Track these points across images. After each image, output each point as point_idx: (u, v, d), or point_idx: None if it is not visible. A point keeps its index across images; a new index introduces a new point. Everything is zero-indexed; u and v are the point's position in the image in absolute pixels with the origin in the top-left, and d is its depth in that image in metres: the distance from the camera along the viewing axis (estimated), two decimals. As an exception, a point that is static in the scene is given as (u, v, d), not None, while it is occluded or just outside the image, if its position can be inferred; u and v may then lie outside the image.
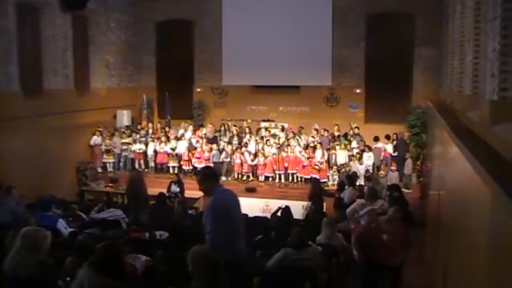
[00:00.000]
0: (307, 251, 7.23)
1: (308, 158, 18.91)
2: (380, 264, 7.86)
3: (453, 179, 6.48)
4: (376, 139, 19.76)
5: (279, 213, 12.76)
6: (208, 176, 6.75)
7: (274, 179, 19.58)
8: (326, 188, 17.24)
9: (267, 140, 20.20)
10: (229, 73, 24.71)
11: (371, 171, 18.01)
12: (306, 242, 7.39)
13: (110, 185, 19.30)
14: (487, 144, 5.06)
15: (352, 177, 15.71)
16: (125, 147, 21.51)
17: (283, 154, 19.41)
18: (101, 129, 21.57)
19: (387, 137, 19.76)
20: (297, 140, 20.22)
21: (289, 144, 19.70)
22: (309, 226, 11.62)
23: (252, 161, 19.66)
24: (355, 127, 20.83)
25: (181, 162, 20.71)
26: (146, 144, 21.48)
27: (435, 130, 12.58)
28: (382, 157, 19.23)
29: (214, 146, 20.35)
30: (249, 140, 20.41)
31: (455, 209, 5.78)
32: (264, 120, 23.13)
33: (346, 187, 14.56)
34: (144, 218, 12.33)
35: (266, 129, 21.86)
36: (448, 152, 7.08)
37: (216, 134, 21.69)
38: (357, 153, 18.83)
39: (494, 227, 3.24)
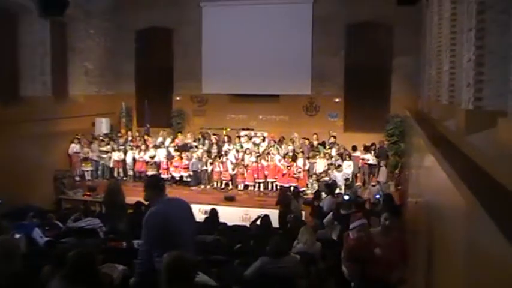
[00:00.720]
0: (285, 260, 7.21)
1: (287, 166, 18.92)
2: (378, 280, 7.60)
3: (429, 187, 6.51)
4: (354, 148, 19.86)
5: (258, 222, 12.74)
6: (150, 185, 6.50)
7: (254, 188, 19.54)
8: (305, 197, 17.23)
9: (247, 149, 20.18)
10: (208, 81, 24.67)
11: (350, 180, 18.07)
12: (284, 250, 7.37)
13: (88, 193, 19.16)
14: (462, 153, 5.10)
15: (331, 185, 15.77)
16: (103, 155, 21.33)
17: (263, 163, 19.38)
18: (79, 137, 21.36)
19: (366, 148, 19.84)
20: (277, 148, 20.24)
21: (269, 153, 19.69)
22: (287, 234, 11.60)
23: (233, 170, 19.60)
24: (332, 136, 20.93)
25: (160, 171, 20.58)
26: (125, 152, 21.30)
27: (413, 139, 12.66)
28: (360, 166, 19.32)
29: (190, 155, 20.27)
30: (229, 150, 20.36)
31: (432, 218, 5.80)
32: (243, 129, 23.13)
33: (324, 195, 14.60)
34: (122, 227, 12.23)
35: (249, 138, 21.86)
36: (425, 160, 7.12)
37: (188, 142, 21.60)
38: (336, 160, 18.89)
39: (469, 236, 3.25)
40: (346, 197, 13.22)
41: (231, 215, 16.37)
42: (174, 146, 21.28)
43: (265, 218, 12.74)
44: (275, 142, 20.78)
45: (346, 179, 17.90)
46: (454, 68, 8.02)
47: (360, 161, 19.42)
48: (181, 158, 20.23)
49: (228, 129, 22.80)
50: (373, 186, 17.69)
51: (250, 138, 21.88)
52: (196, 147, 20.99)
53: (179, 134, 22.72)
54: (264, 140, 21.44)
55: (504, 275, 2.16)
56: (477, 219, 2.87)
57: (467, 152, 4.98)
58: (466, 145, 5.18)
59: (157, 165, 20.71)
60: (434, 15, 11.73)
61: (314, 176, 18.50)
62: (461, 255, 3.48)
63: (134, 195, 16.30)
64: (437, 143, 6.34)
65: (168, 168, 20.43)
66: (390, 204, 11.36)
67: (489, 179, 3.58)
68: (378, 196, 14.52)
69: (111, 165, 21.32)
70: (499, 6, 5.11)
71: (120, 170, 21.40)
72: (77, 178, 21.16)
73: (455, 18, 8.07)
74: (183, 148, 20.97)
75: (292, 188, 17.94)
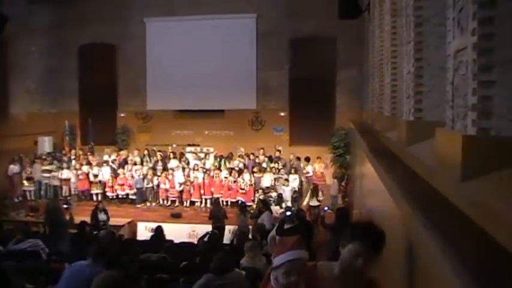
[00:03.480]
0: (229, 276, 7.09)
1: (234, 181, 18.84)
2: None
3: (370, 198, 6.54)
4: (307, 159, 19.99)
5: (206, 238, 12.58)
6: None
7: (201, 204, 19.36)
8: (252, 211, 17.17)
9: (195, 165, 20.01)
10: (153, 97, 24.51)
11: (298, 193, 18.10)
12: (228, 266, 7.26)
13: (31, 214, 18.58)
14: (403, 164, 5.13)
15: (266, 201, 15.80)
16: (46, 174, 20.78)
17: (211, 178, 19.26)
18: (21, 155, 20.80)
19: (307, 159, 19.96)
20: (223, 164, 20.16)
21: (216, 169, 19.59)
22: (235, 250, 11.48)
23: (180, 186, 19.38)
24: (277, 150, 21.01)
25: (106, 189, 20.19)
26: (68, 171, 20.80)
27: (357, 151, 12.77)
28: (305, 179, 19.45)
29: (130, 171, 20.00)
30: (177, 167, 20.11)
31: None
32: (189, 145, 22.97)
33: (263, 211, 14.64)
34: (64, 248, 11.90)
35: (195, 153, 21.72)
36: (367, 172, 7.16)
37: (129, 158, 21.29)
38: (284, 173, 18.94)
39: (405, 244, 3.24)
40: (288, 213, 13.20)
41: (177, 232, 16.14)
42: (117, 162, 20.94)
43: (213, 235, 12.60)
44: (221, 157, 20.69)
45: (295, 191, 17.90)
46: (395, 80, 8.12)
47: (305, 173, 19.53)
48: (124, 175, 19.88)
49: (174, 146, 22.59)
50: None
51: (195, 154, 21.72)
52: (136, 163, 20.67)
53: (122, 151, 22.38)
54: (208, 156, 21.28)
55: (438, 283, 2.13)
56: (413, 229, 2.85)
57: (407, 162, 5.03)
58: (406, 156, 5.23)
59: (103, 184, 20.30)
60: (376, 28, 11.90)
61: (260, 190, 18.45)
62: (399, 265, 3.47)
63: (78, 215, 15.98)
64: (379, 154, 6.38)
65: (112, 186, 20.05)
66: (346, 221, 11.32)
67: (427, 188, 3.59)
68: (326, 208, 14.54)
69: (54, 184, 20.74)
70: (436, 19, 5.19)
71: (65, 188, 20.83)
72: (18, 199, 20.54)
73: (395, 31, 8.19)
74: (124, 164, 20.67)
75: (239, 202, 17.87)
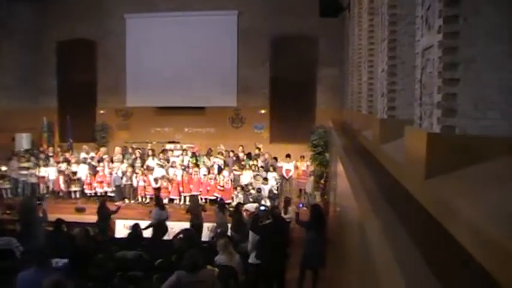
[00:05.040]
0: (201, 274, 7.06)
1: (213, 179, 18.78)
2: None
3: (342, 195, 6.56)
4: (288, 156, 20.01)
5: (181, 235, 12.52)
6: None
7: (180, 201, 19.28)
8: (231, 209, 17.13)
9: (173, 162, 19.92)
10: (133, 94, 24.36)
11: (275, 191, 18.05)
12: (200, 264, 7.23)
13: (7, 212, 18.35)
14: (377, 162, 5.14)
15: (222, 204, 15.98)
16: (23, 171, 20.52)
17: (190, 176, 19.18)
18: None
19: (287, 155, 19.98)
20: (203, 161, 20.09)
21: (195, 165, 19.52)
22: (212, 247, 11.45)
23: (156, 183, 19.26)
24: (257, 148, 21.02)
25: (84, 187, 20.02)
26: (46, 168, 20.58)
27: (334, 149, 12.80)
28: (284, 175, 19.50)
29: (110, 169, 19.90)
30: (158, 165, 19.97)
31: (342, 226, 5.83)
32: (169, 142, 22.88)
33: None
34: (38, 246, 11.75)
35: (172, 151, 21.65)
36: (340, 170, 7.18)
37: (105, 156, 21.12)
38: (262, 170, 18.93)
39: (361, 241, 3.23)
40: (262, 208, 13.25)
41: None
42: (95, 159, 20.82)
43: (189, 232, 12.54)
44: (196, 155, 20.65)
45: (270, 191, 17.85)
46: (372, 78, 8.17)
47: (284, 171, 19.56)
48: (103, 172, 19.76)
49: (154, 143, 22.48)
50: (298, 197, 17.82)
51: (172, 151, 21.68)
52: (113, 160, 20.54)
53: (101, 148, 22.22)
54: (186, 153, 21.17)
55: (388, 283, 2.12)
56: (368, 224, 2.85)
57: (380, 160, 5.03)
58: (379, 154, 5.24)
59: (81, 182, 20.13)
60: (355, 27, 11.96)
61: (239, 188, 18.40)
62: (358, 260, 3.47)
63: (56, 213, 15.83)
64: (352, 152, 6.39)
65: (91, 184, 19.89)
66: (318, 215, 11.35)
67: (394, 185, 3.59)
68: (301, 205, 14.59)
69: (32, 181, 20.51)
70: (410, 18, 5.20)
71: (43, 186, 20.59)
72: (-4, 197, 20.29)
73: (372, 29, 8.23)
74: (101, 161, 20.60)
75: (218, 199, 17.82)
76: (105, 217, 15.64)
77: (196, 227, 14.84)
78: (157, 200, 16.13)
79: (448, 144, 2.79)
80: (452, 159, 2.77)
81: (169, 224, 15.75)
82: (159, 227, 14.66)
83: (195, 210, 16.01)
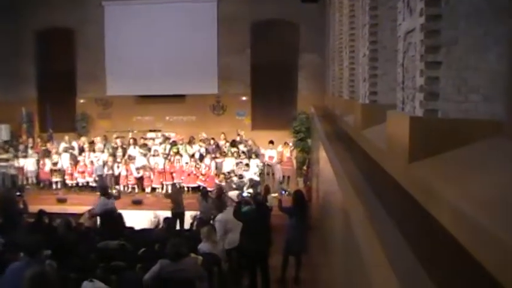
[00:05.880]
0: (184, 262, 7.06)
1: (195, 167, 18.73)
2: None
3: (325, 181, 6.56)
4: (272, 142, 20.01)
5: (162, 226, 12.50)
6: None
7: (162, 190, 19.21)
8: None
9: (155, 151, 19.83)
10: (113, 83, 24.14)
11: (257, 178, 18.03)
12: (183, 252, 7.22)
13: (-13, 204, 18.18)
14: (358, 147, 5.14)
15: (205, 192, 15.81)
16: (2, 163, 20.28)
17: (172, 164, 19.12)
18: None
19: (271, 142, 19.97)
20: (184, 149, 20.02)
21: (176, 153, 19.44)
22: (194, 236, 11.43)
23: (138, 173, 19.18)
24: (238, 135, 21.02)
25: (66, 177, 19.87)
26: (26, 159, 20.38)
27: (315, 135, 12.82)
28: (266, 162, 19.49)
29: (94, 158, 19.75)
30: (140, 154, 19.85)
31: (325, 212, 5.84)
32: (150, 131, 22.77)
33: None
34: (18, 238, 11.65)
35: (153, 139, 21.57)
36: (322, 156, 7.18)
37: (85, 146, 20.96)
38: (245, 157, 18.90)
39: (346, 227, 3.23)
40: (244, 194, 13.27)
41: (139, 219, 16.03)
42: (77, 149, 20.70)
43: (169, 220, 12.55)
44: (179, 143, 20.58)
45: (251, 180, 17.80)
46: (353, 63, 8.18)
47: (267, 157, 19.54)
48: (84, 162, 19.63)
49: (135, 132, 22.35)
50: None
51: (154, 140, 21.61)
52: (95, 150, 20.41)
53: (82, 138, 22.06)
54: (167, 141, 21.08)
55: (373, 268, 2.11)
56: (351, 208, 2.84)
57: (362, 145, 5.04)
58: (361, 139, 5.24)
59: (62, 172, 19.98)
60: (336, 12, 11.95)
61: (222, 175, 18.37)
62: (341, 245, 3.46)
63: (37, 204, 15.71)
64: (334, 137, 6.39)
65: (72, 174, 19.75)
66: (300, 201, 11.38)
67: (376, 169, 3.58)
68: (283, 192, 14.65)
69: (12, 173, 20.28)
70: (391, 2, 5.19)
71: (23, 177, 20.39)
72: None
73: (353, 14, 8.23)
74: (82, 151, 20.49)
75: (201, 188, 17.78)
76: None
77: (178, 216, 14.78)
78: (101, 189, 15.77)
79: (430, 127, 2.78)
80: (435, 142, 2.76)
81: (152, 213, 15.71)
82: (107, 217, 14.36)
83: (175, 198, 15.94)
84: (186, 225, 14.73)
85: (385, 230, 2.12)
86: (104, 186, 16.19)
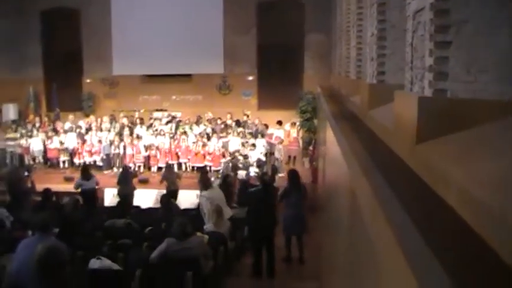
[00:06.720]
0: (189, 241, 7.11)
1: (202, 146, 18.75)
2: None
3: (331, 161, 6.55)
4: (280, 123, 20.00)
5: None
6: None
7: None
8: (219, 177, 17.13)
9: (161, 130, 19.86)
10: (119, 63, 24.17)
11: (263, 158, 18.03)
12: (189, 231, 7.26)
13: (-4, 183, 18.28)
14: (365, 127, 5.12)
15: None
16: (11, 142, 20.37)
17: (178, 143, 19.15)
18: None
19: (279, 122, 19.96)
20: (190, 129, 20.05)
21: (183, 133, 19.48)
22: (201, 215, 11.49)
23: (146, 151, 19.23)
24: (245, 114, 21.03)
25: (73, 156, 19.96)
26: (33, 139, 20.44)
27: (322, 115, 12.79)
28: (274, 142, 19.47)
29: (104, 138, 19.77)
30: (149, 133, 19.88)
31: (331, 191, 5.83)
32: (157, 110, 22.81)
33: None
34: (26, 216, 11.75)
35: (159, 119, 21.59)
36: (328, 136, 7.17)
37: (93, 124, 21.02)
38: (249, 138, 18.90)
39: (353, 206, 3.22)
40: (251, 174, 13.29)
41: (145, 198, 16.13)
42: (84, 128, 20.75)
43: (161, 197, 12.71)
44: (185, 122, 20.62)
45: (258, 160, 17.79)
46: (360, 43, 8.12)
47: (274, 137, 19.52)
48: (91, 141, 19.72)
49: (142, 111, 22.40)
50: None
51: (161, 120, 21.63)
52: (102, 129, 20.46)
53: (89, 117, 22.14)
54: (172, 120, 21.13)
55: (381, 245, 2.11)
56: (359, 188, 2.83)
57: (368, 125, 5.01)
58: (368, 119, 5.22)
59: (70, 151, 20.05)
60: (343, -10, 11.83)
61: (228, 154, 18.38)
62: (347, 225, 3.46)
63: (45, 183, 15.81)
64: (340, 117, 6.36)
65: (80, 153, 19.82)
66: (295, 180, 11.39)
67: (384, 149, 3.57)
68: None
69: (19, 152, 20.35)
70: (401, -19, 5.12)
71: (29, 157, 20.48)
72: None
73: (361, -7, 8.14)
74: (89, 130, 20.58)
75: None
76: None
77: (172, 193, 14.81)
78: (82, 171, 15.79)
79: (439, 108, 2.76)
80: (443, 123, 2.74)
81: (158, 192, 15.79)
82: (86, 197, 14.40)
83: (170, 178, 16.06)
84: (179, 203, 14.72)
85: (393, 209, 2.11)
86: (85, 168, 16.11)
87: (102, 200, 16.67)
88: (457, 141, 2.57)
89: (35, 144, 20.26)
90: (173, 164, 18.98)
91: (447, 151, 2.50)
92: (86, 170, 15.48)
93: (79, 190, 14.68)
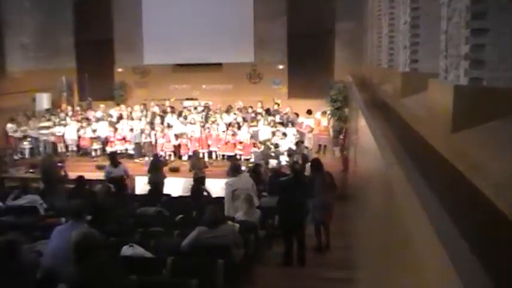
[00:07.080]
0: (221, 229, 7.15)
1: (233, 135, 18.78)
2: None
3: (363, 150, 6.51)
4: (309, 112, 19.94)
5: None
6: None
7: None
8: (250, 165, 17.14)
9: (192, 119, 19.93)
10: (150, 52, 24.34)
11: (294, 147, 17.99)
12: (220, 219, 7.31)
13: (31, 170, 18.60)
14: (397, 116, 5.08)
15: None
16: (44, 131, 20.67)
17: (208, 132, 19.23)
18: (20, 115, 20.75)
19: (308, 111, 19.92)
20: (221, 117, 20.10)
21: (213, 122, 19.54)
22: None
23: (176, 140, 19.33)
24: (276, 103, 21.01)
25: (105, 144, 20.19)
26: (66, 127, 20.72)
27: (353, 104, 12.72)
28: (304, 131, 19.45)
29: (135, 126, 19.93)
30: (179, 121, 19.98)
31: (363, 180, 5.80)
32: (187, 99, 22.92)
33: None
34: (59, 203, 11.94)
35: (191, 108, 21.69)
36: (361, 124, 7.12)
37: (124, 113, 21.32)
38: (281, 126, 18.90)
39: (386, 195, 3.20)
40: (282, 163, 13.26)
41: (175, 187, 16.23)
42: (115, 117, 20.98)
43: (194, 186, 12.78)
44: (217, 111, 20.70)
45: (289, 149, 17.74)
46: (392, 31, 8.02)
47: (304, 126, 19.50)
48: (123, 130, 19.91)
49: (173, 100, 22.54)
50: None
51: (195, 108, 21.72)
52: (133, 118, 20.68)
53: (120, 106, 22.40)
54: (205, 110, 21.22)
55: (417, 234, 2.10)
56: (395, 177, 2.81)
57: (401, 114, 4.97)
58: (400, 107, 5.18)
59: (102, 140, 20.29)
60: (375, -22, 11.71)
61: (259, 143, 18.39)
62: (381, 213, 3.44)
63: (77, 171, 16.01)
64: (372, 106, 6.33)
65: (113, 142, 20.04)
66: (318, 167, 11.34)
67: (417, 138, 3.54)
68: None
69: (52, 141, 20.65)
70: (434, -33, 5.05)
71: (62, 145, 20.78)
72: (18, 156, 20.48)
73: (394, -20, 8.04)
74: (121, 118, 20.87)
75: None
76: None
77: (200, 180, 14.83)
78: (110, 158, 15.87)
79: (475, 97, 2.72)
80: (479, 112, 2.70)
81: (188, 180, 15.86)
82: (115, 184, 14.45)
83: (197, 165, 16.31)
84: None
85: (429, 199, 2.10)
86: (113, 157, 16.21)
87: (134, 188, 16.80)
88: (493, 131, 2.53)
89: (69, 133, 20.52)
90: (201, 152, 19.07)
91: (483, 140, 2.46)
92: (114, 157, 15.61)
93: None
